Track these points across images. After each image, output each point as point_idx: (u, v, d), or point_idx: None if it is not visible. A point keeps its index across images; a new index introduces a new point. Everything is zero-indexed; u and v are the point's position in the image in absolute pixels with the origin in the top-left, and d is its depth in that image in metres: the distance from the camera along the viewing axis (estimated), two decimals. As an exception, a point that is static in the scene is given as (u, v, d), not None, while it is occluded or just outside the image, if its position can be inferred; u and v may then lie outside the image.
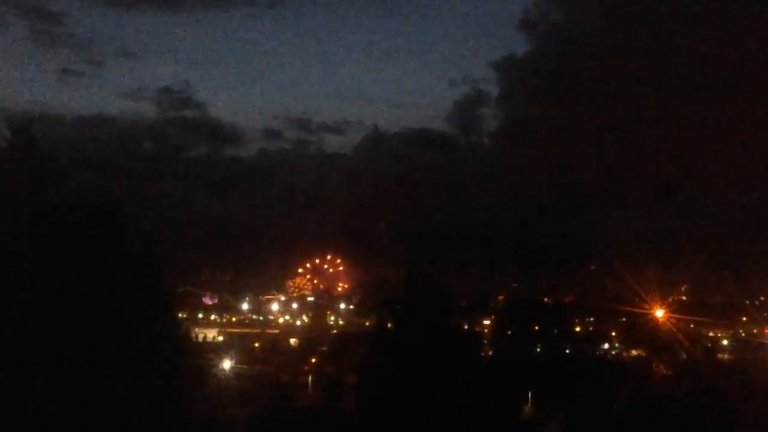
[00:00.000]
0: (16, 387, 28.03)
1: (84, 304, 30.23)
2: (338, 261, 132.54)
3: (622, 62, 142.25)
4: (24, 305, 29.44)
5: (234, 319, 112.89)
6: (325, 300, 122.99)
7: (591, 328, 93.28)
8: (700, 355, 70.36)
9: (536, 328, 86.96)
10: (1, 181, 32.81)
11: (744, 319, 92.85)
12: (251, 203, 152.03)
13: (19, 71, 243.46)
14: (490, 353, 63.37)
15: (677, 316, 72.01)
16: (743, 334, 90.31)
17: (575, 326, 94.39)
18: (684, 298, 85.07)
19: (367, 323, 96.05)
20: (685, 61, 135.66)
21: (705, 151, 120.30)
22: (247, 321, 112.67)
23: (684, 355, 71.63)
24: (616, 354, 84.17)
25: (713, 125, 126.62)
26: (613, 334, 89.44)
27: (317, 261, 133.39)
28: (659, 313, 72.39)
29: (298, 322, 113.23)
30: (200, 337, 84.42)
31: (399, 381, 39.95)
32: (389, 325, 48.26)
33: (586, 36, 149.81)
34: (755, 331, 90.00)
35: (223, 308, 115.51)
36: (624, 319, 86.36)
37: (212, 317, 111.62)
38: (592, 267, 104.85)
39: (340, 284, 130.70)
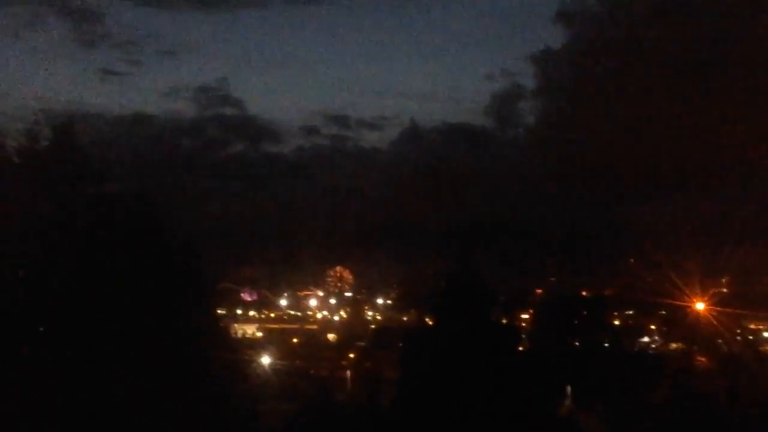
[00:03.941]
0: (59, 377, 28.48)
1: (126, 301, 30.63)
2: (376, 255, 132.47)
3: (660, 52, 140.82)
4: (65, 302, 29.88)
5: (272, 314, 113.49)
6: (363, 295, 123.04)
7: (630, 322, 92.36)
8: (741, 349, 69.44)
9: (575, 321, 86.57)
10: (43, 180, 33.31)
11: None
12: (290, 199, 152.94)
13: (59, 71, 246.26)
14: (528, 347, 63.12)
15: (718, 308, 71.00)
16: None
17: (614, 320, 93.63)
18: (725, 290, 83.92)
19: (405, 318, 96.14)
20: (726, 49, 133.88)
21: (747, 139, 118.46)
22: (285, 317, 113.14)
23: (725, 348, 70.83)
24: (656, 347, 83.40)
25: (756, 114, 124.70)
26: (653, 327, 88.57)
27: (355, 256, 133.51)
28: (700, 305, 71.48)
29: (336, 318, 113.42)
30: (239, 333, 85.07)
31: (438, 376, 39.91)
32: (428, 320, 48.27)
33: (623, 26, 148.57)
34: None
35: (261, 304, 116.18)
36: (664, 312, 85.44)
37: (251, 313, 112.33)
38: (632, 260, 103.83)
39: (378, 279, 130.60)
